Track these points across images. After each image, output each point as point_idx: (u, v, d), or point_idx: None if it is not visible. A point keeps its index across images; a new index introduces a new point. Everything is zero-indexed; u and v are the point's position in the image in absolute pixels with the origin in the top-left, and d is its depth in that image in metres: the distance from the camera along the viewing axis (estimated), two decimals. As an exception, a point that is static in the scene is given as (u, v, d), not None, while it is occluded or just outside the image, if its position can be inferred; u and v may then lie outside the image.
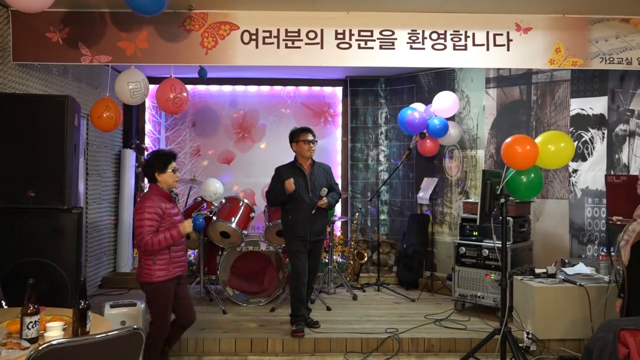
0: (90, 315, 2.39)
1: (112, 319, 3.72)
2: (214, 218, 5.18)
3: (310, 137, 4.38)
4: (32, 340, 2.25)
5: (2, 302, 3.07)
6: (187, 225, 3.41)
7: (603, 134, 4.97)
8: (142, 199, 3.42)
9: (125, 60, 4.31)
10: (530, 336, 4.07)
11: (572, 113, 5.16)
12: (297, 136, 4.40)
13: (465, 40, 4.38)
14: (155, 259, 3.32)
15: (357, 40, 4.35)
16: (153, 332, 3.41)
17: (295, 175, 4.35)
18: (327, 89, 6.89)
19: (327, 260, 5.75)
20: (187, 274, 5.69)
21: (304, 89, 6.85)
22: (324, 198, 4.31)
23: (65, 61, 4.47)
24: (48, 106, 3.91)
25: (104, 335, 2.02)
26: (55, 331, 2.31)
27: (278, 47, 4.32)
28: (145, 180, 3.78)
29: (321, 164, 4.58)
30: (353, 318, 4.79)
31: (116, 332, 2.06)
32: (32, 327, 2.27)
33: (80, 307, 2.33)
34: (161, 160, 3.44)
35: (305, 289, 4.41)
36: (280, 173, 4.40)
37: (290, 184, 4.23)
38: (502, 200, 3.63)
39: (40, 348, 1.86)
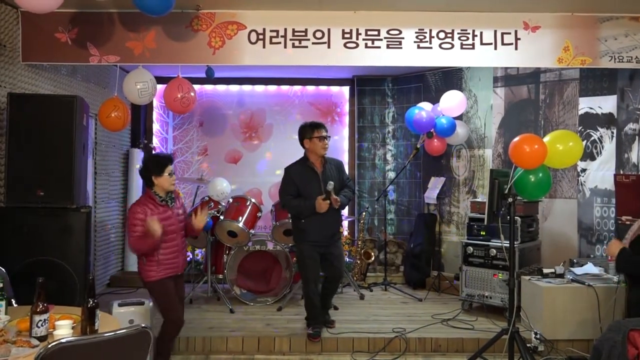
0: (98, 313, 2.40)
1: (120, 318, 3.73)
2: (222, 217, 5.20)
3: (324, 133, 4.16)
4: (42, 339, 2.27)
5: (12, 300, 3.10)
6: (154, 226, 3.33)
7: (612, 133, 4.93)
8: (134, 204, 3.49)
9: (133, 60, 4.33)
10: (538, 336, 4.05)
11: (581, 112, 5.13)
12: (310, 132, 4.15)
13: (473, 39, 4.36)
14: (145, 259, 3.47)
15: (364, 39, 4.34)
16: (166, 329, 3.52)
17: (307, 175, 4.16)
18: (334, 89, 6.88)
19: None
20: (195, 272, 5.79)
21: (311, 88, 6.85)
22: (336, 197, 4.07)
23: (74, 61, 4.50)
24: (57, 106, 3.94)
25: (112, 333, 2.03)
26: (64, 329, 2.32)
27: (285, 46, 4.32)
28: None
29: (332, 159, 4.35)
30: (360, 317, 4.79)
31: (124, 330, 2.07)
32: (42, 325, 2.29)
33: (89, 305, 2.35)
34: (158, 163, 3.48)
35: (318, 294, 4.27)
36: (290, 174, 4.20)
37: (323, 208, 4.02)
38: (510, 199, 3.61)
39: (49, 346, 1.87)
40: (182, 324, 3.60)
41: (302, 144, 4.25)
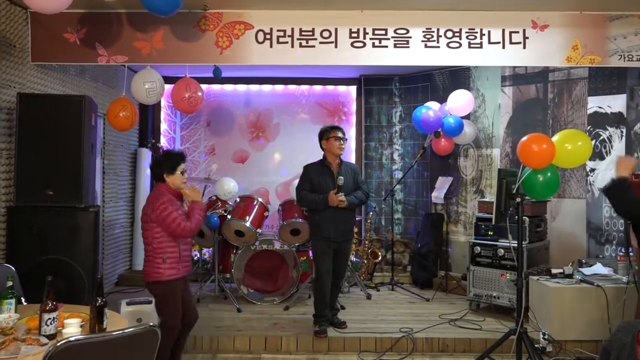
0: (107, 312, 2.42)
1: (128, 316, 3.77)
2: (229, 217, 5.21)
3: (340, 134, 4.35)
4: (51, 337, 2.29)
5: (22, 298, 3.12)
6: (194, 194, 3.46)
7: (621, 132, 4.89)
8: (154, 198, 3.34)
9: (141, 60, 4.35)
10: (546, 337, 4.03)
11: (590, 111, 5.09)
12: (327, 133, 4.36)
13: (481, 38, 4.35)
14: (165, 258, 3.30)
15: (371, 39, 4.34)
16: (164, 333, 3.41)
17: (323, 174, 4.33)
18: (341, 88, 6.88)
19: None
20: (202, 272, 5.81)
21: (318, 88, 6.85)
22: (343, 197, 4.20)
23: (83, 61, 4.53)
24: (66, 106, 3.97)
25: (120, 332, 2.04)
26: (72, 328, 2.33)
27: (292, 46, 4.33)
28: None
29: (349, 163, 4.57)
30: (367, 317, 4.78)
31: (132, 329, 2.08)
32: (51, 323, 2.31)
33: (97, 304, 2.37)
34: (171, 161, 3.40)
35: (329, 290, 4.35)
36: (309, 172, 4.37)
37: (334, 201, 4.19)
38: (518, 199, 3.60)
39: (58, 344, 1.89)
40: (178, 331, 3.42)
41: (320, 145, 4.42)
